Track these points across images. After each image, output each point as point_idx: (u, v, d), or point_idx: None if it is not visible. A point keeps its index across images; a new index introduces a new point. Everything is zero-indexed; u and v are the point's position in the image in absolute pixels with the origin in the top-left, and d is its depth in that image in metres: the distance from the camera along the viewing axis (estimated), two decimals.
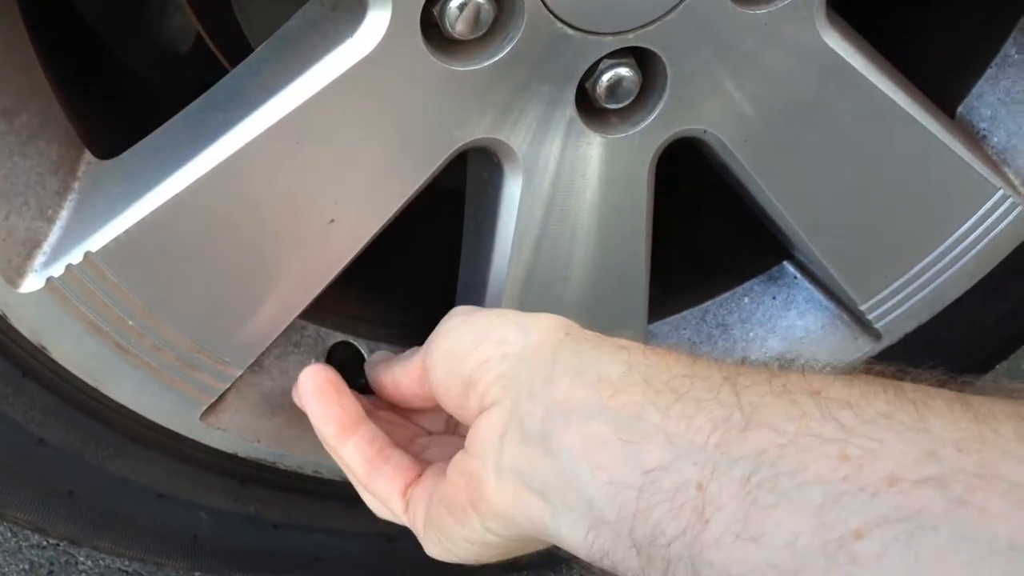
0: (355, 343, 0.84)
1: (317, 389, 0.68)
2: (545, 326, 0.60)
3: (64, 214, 0.66)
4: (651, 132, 0.73)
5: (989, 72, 0.83)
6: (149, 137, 0.67)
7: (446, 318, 0.67)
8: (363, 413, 0.68)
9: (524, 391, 0.57)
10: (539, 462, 0.54)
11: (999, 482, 0.39)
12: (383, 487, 0.66)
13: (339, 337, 0.83)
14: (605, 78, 0.69)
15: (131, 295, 0.67)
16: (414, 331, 0.88)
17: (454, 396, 0.62)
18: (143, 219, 0.64)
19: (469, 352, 0.61)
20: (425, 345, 0.67)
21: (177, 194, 0.64)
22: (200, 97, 0.66)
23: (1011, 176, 0.83)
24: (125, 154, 0.68)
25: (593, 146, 0.73)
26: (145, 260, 0.66)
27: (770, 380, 0.49)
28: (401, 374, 0.70)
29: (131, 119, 0.75)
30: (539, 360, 0.58)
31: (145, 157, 0.67)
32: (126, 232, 0.64)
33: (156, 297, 0.67)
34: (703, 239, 0.97)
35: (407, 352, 0.72)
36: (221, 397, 0.75)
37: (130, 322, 0.68)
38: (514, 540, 0.59)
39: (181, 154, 0.65)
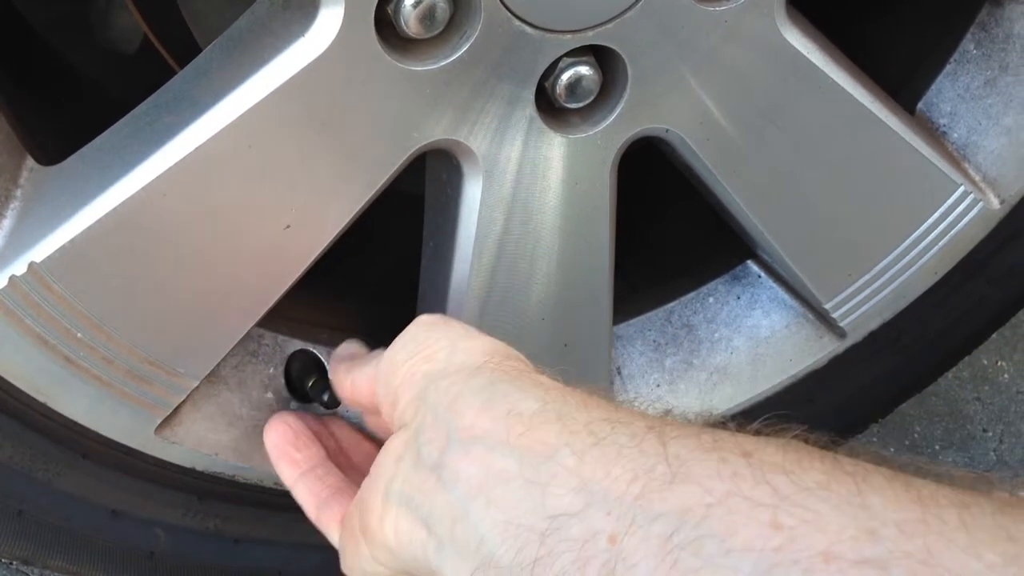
0: (315, 350, 0.82)
1: (272, 442, 0.71)
2: (475, 349, 0.57)
3: (6, 223, 0.63)
4: (612, 132, 0.72)
5: (948, 68, 0.83)
6: (94, 142, 0.65)
7: (409, 326, 0.65)
8: (321, 456, 0.70)
9: (429, 413, 0.54)
10: (430, 490, 0.51)
11: (944, 573, 0.36)
12: (329, 521, 0.65)
13: (298, 345, 0.81)
14: (565, 77, 0.68)
15: (78, 306, 0.64)
16: (376, 337, 0.86)
17: (386, 409, 0.60)
18: (89, 227, 0.62)
19: (400, 365, 0.59)
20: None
21: (124, 201, 0.62)
22: (147, 99, 0.64)
23: (972, 172, 0.84)
24: (69, 160, 0.65)
25: (554, 146, 0.71)
26: (92, 270, 0.64)
27: (699, 435, 0.46)
28: (359, 377, 0.68)
29: (76, 123, 0.72)
30: (450, 383, 0.55)
31: (90, 163, 0.64)
32: (72, 241, 0.62)
33: (105, 308, 0.65)
34: (667, 239, 0.97)
35: (371, 354, 0.70)
36: (176, 410, 0.73)
37: (78, 334, 0.65)
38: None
39: (128, 159, 0.63)
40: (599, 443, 0.47)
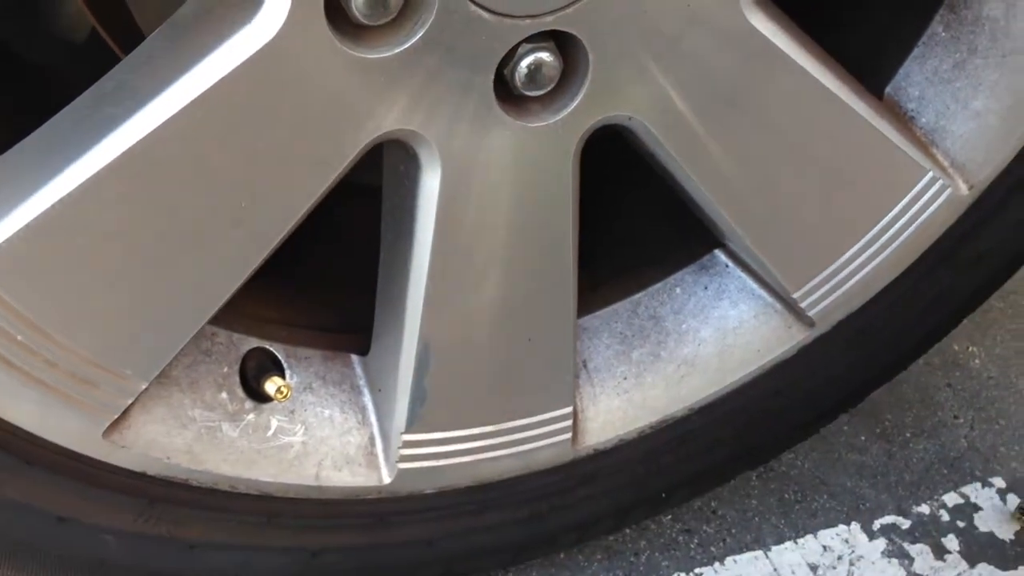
0: (271, 348, 0.80)
1: None
2: None
3: None
4: (574, 120, 0.70)
5: (917, 51, 0.81)
6: (33, 135, 0.62)
7: None
8: None
9: None
10: None
11: None
12: None
13: (254, 343, 0.78)
14: (524, 64, 0.66)
15: (18, 307, 0.62)
16: (335, 333, 0.84)
17: None
18: (28, 224, 0.59)
19: None
20: None
21: (65, 196, 0.59)
22: (88, 90, 0.61)
23: (940, 158, 0.82)
24: (7, 154, 0.62)
25: (515, 135, 0.69)
26: (32, 269, 0.61)
27: None
28: None
29: (23, 114, 0.69)
30: None
31: (29, 156, 0.62)
32: (8, 240, 0.59)
33: (46, 309, 0.62)
34: (633, 229, 0.95)
35: None
36: (125, 413, 0.70)
37: (19, 337, 0.63)
38: None
39: (67, 153, 0.60)
40: None
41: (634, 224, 0.95)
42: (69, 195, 0.59)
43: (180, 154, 0.60)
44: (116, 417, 0.69)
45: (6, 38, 0.84)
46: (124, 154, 0.59)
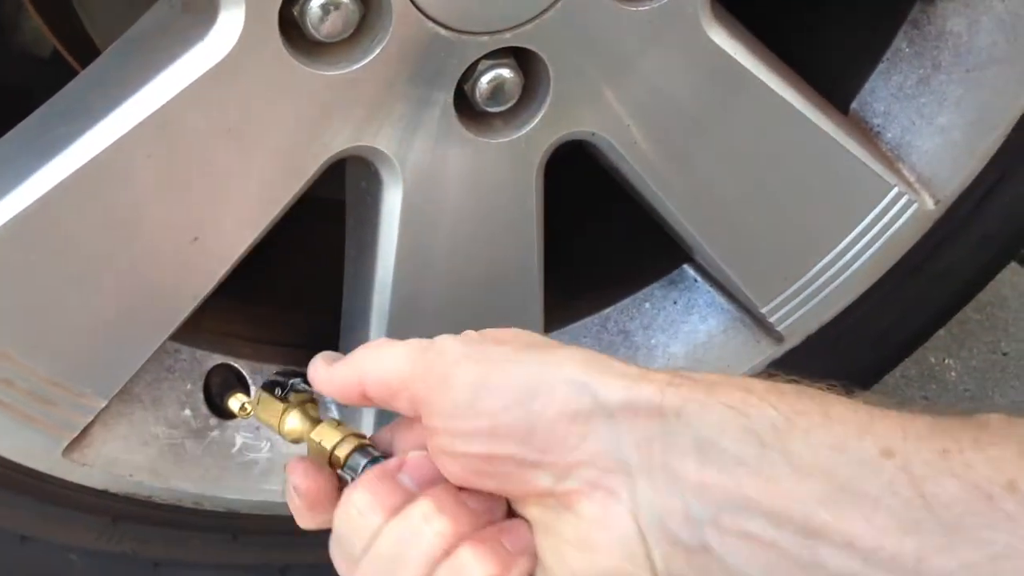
0: (236, 364, 0.79)
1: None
2: (614, 380, 0.50)
3: None
4: (537, 135, 0.69)
5: (881, 67, 0.82)
6: None
7: (446, 357, 0.54)
8: None
9: (642, 478, 0.48)
10: (705, 565, 0.47)
11: None
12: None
13: (218, 359, 0.78)
14: (485, 80, 0.66)
15: None
16: (300, 349, 0.84)
17: (495, 467, 0.52)
18: None
19: (520, 427, 0.50)
20: (417, 384, 0.54)
21: (16, 215, 0.59)
22: (40, 107, 0.61)
23: (906, 173, 0.82)
24: None
25: (477, 151, 0.69)
26: None
27: (949, 465, 0.43)
28: (375, 371, 0.56)
29: None
30: (641, 435, 0.48)
31: None
32: None
33: (0, 327, 0.62)
34: (602, 243, 0.95)
35: (375, 344, 0.59)
36: (85, 431, 0.70)
37: None
38: None
39: (18, 171, 0.59)
40: (842, 488, 0.44)
41: (603, 238, 0.95)
42: (22, 213, 0.59)
43: (135, 172, 0.60)
44: (76, 435, 0.69)
45: None
46: (77, 172, 0.59)
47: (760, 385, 0.49)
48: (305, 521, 0.59)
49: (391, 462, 0.57)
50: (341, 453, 0.59)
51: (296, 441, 0.64)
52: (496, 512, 0.54)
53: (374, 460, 0.58)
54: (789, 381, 0.51)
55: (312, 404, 0.66)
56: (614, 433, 0.49)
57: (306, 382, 0.65)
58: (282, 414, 0.64)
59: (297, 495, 0.58)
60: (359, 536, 0.53)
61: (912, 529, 0.42)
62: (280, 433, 0.65)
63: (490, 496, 0.54)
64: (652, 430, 0.48)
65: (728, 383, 0.49)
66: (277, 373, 0.74)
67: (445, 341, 0.56)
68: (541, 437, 0.50)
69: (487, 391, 0.52)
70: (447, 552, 0.51)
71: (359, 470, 0.57)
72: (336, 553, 0.56)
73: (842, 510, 0.44)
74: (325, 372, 0.59)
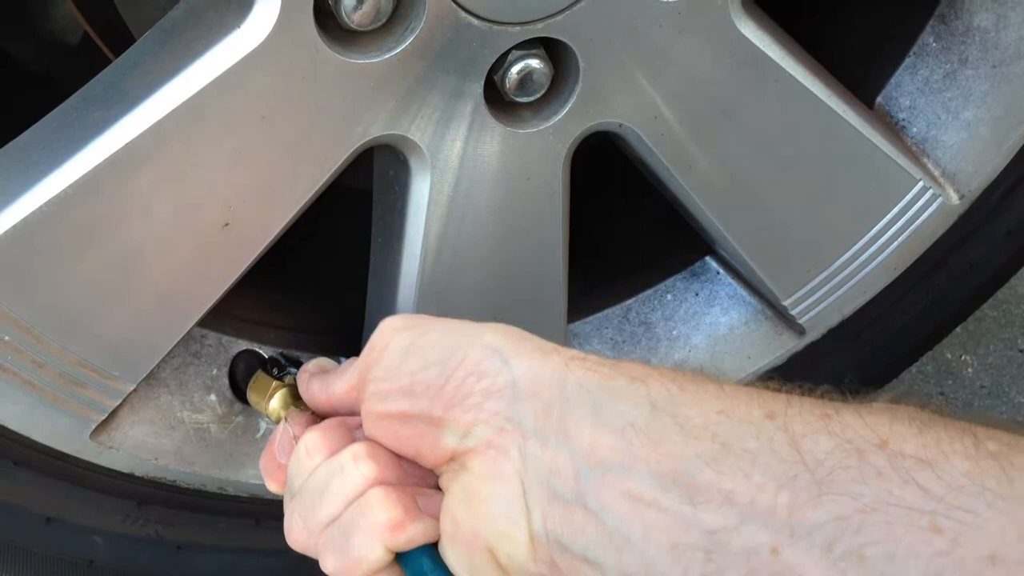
0: (261, 350, 0.80)
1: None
2: (526, 350, 0.53)
3: None
4: (564, 126, 0.70)
5: (907, 61, 0.82)
6: (20, 137, 0.62)
7: (385, 330, 0.57)
8: None
9: (534, 439, 0.50)
10: (582, 524, 0.49)
11: None
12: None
13: (243, 345, 0.78)
14: (514, 70, 0.66)
15: (5, 309, 0.62)
16: (324, 336, 0.84)
17: (410, 428, 0.55)
18: (14, 226, 0.59)
19: (434, 383, 0.53)
20: (361, 361, 0.58)
21: (51, 199, 0.59)
22: (76, 93, 0.62)
23: (931, 167, 0.82)
24: None
25: (505, 141, 0.69)
26: (19, 271, 0.61)
27: (827, 425, 0.44)
28: (338, 385, 0.61)
29: (13, 116, 0.69)
30: (541, 401, 0.51)
31: (16, 159, 0.62)
32: None
33: (33, 310, 0.62)
34: (625, 235, 0.95)
35: (345, 364, 0.64)
36: (113, 414, 0.70)
37: (6, 337, 0.63)
38: None
39: (55, 155, 0.60)
40: (726, 450, 0.46)
41: (626, 230, 0.95)
42: (56, 197, 0.59)
43: (168, 157, 0.61)
44: (104, 418, 0.69)
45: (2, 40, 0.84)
46: (111, 157, 0.59)
47: (666, 369, 0.51)
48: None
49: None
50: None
51: (276, 419, 0.67)
52: (426, 480, 0.57)
53: None
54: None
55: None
56: (515, 397, 0.51)
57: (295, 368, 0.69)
58: (270, 393, 0.68)
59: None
60: (301, 472, 0.57)
61: (787, 484, 0.43)
62: (264, 410, 0.69)
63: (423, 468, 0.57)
64: (552, 398, 0.51)
65: (633, 364, 0.52)
66: (280, 354, 0.77)
67: (389, 318, 0.59)
68: (449, 392, 0.53)
69: (413, 353, 0.55)
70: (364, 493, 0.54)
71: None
72: (285, 493, 0.60)
73: (723, 467, 0.45)
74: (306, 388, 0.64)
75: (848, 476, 0.42)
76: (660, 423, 0.48)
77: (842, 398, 0.48)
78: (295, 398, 0.68)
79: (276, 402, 0.68)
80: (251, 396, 0.72)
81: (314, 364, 0.67)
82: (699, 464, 0.46)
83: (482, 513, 0.52)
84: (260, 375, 0.71)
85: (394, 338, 0.56)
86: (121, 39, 0.72)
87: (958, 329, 1.02)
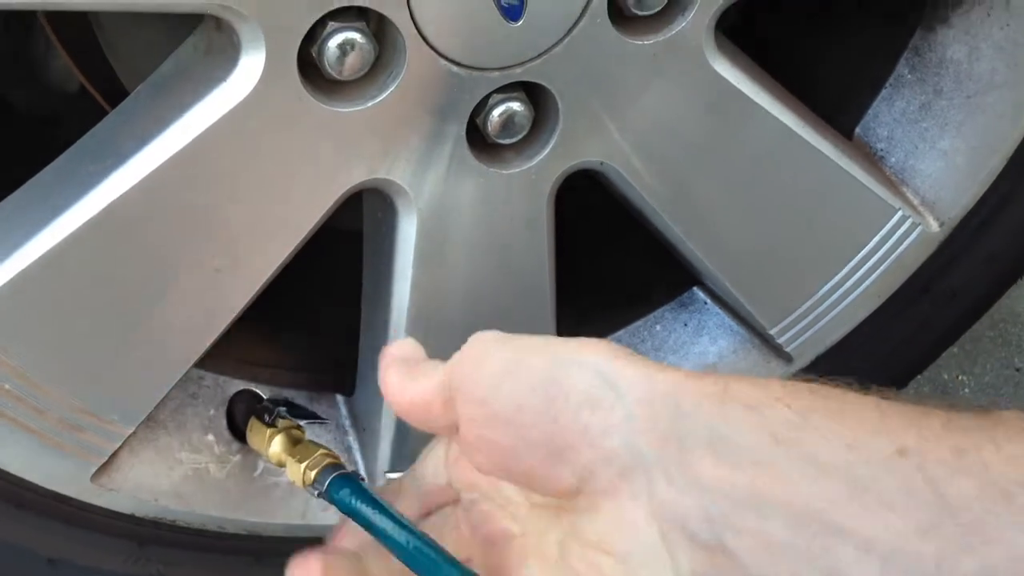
0: (257, 390, 0.81)
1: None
2: (631, 373, 0.49)
3: None
4: (547, 166, 0.71)
5: (884, 92, 0.83)
6: (18, 191, 0.64)
7: (478, 342, 0.54)
8: None
9: (660, 478, 0.48)
10: (723, 567, 0.46)
11: None
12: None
13: (240, 385, 0.80)
14: (496, 113, 0.68)
15: (5, 358, 0.63)
16: (321, 374, 0.86)
17: (518, 464, 0.51)
18: (12, 279, 0.61)
19: (542, 415, 0.50)
20: (452, 371, 0.54)
21: (49, 250, 0.61)
22: (71, 147, 0.64)
23: (910, 196, 0.84)
24: None
25: (489, 181, 0.71)
26: (17, 320, 0.63)
27: (963, 460, 0.42)
28: (419, 392, 0.56)
29: (13, 167, 0.72)
30: (657, 433, 0.48)
31: (14, 212, 0.64)
32: None
33: (32, 358, 0.64)
34: (614, 267, 0.96)
35: (427, 363, 0.57)
36: (113, 456, 0.72)
37: (6, 385, 0.64)
38: None
39: (52, 208, 0.62)
40: (858, 488, 0.43)
41: (615, 262, 0.96)
42: (53, 249, 0.61)
43: (161, 208, 0.63)
44: (104, 461, 0.71)
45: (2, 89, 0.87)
46: (106, 209, 0.61)
47: (775, 384, 0.48)
48: None
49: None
50: (313, 471, 0.63)
51: (280, 464, 0.68)
52: None
53: (343, 476, 0.61)
54: (805, 381, 0.50)
55: (298, 429, 0.70)
56: (632, 430, 0.48)
57: (290, 412, 0.70)
58: (268, 439, 0.69)
59: None
60: None
61: (931, 531, 0.41)
62: (266, 457, 0.70)
63: None
64: (668, 431, 0.48)
65: (743, 381, 0.49)
66: (268, 400, 0.78)
67: (479, 333, 0.55)
68: (562, 427, 0.50)
69: (512, 373, 0.51)
70: None
71: (325, 485, 0.60)
72: None
73: (858, 511, 0.43)
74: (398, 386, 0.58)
75: (998, 522, 0.40)
76: (783, 458, 0.45)
77: (860, 388, 0.46)
78: (293, 443, 0.69)
79: (276, 447, 0.70)
80: (251, 440, 0.74)
81: (397, 347, 0.60)
82: (829, 505, 0.44)
83: (627, 564, 0.49)
84: (254, 422, 0.73)
85: (488, 352, 0.53)
86: (115, 91, 0.74)
87: (954, 349, 1.03)
